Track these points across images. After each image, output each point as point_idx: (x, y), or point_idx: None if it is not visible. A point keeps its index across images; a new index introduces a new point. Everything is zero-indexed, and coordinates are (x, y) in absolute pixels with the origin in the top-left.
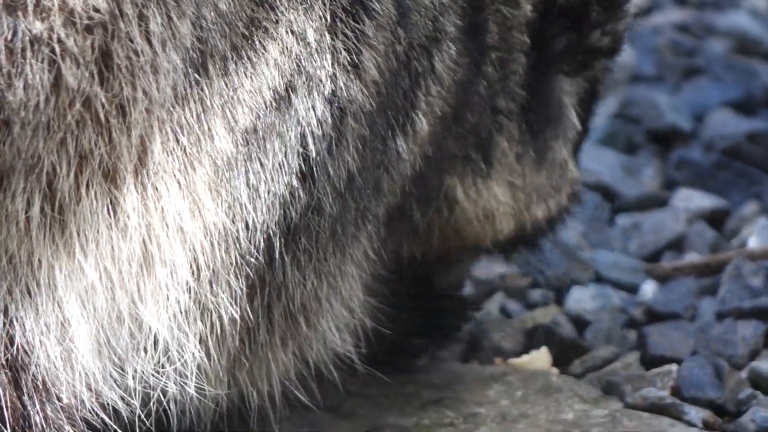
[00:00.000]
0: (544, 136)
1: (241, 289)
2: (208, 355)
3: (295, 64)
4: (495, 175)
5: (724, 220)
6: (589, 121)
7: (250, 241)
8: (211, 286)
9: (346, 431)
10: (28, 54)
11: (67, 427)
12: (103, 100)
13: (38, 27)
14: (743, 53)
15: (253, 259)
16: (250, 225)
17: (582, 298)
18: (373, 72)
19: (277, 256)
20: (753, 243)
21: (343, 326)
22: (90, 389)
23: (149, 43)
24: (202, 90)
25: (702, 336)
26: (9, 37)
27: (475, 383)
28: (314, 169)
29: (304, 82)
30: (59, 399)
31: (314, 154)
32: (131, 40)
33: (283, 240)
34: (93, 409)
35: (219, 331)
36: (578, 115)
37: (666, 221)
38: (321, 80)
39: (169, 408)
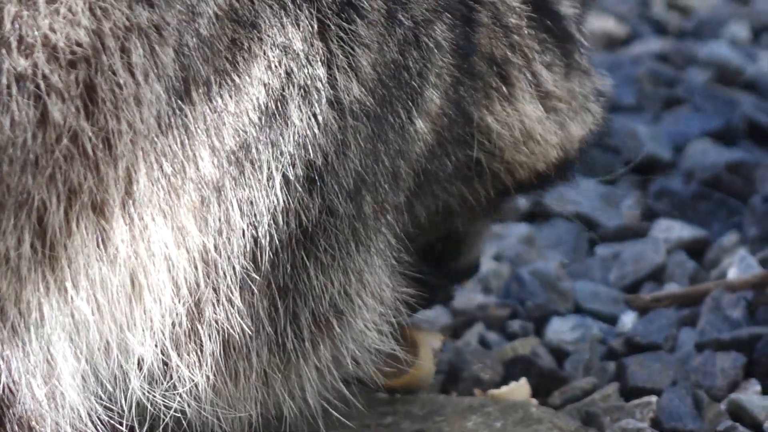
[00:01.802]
0: (566, 46)
1: (250, 303)
2: (222, 371)
3: (284, 78)
4: (521, 95)
5: (704, 250)
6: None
7: (253, 255)
8: (210, 307)
9: None
10: (14, 91)
11: None
12: (90, 134)
13: (22, 64)
14: (723, 83)
15: (258, 272)
16: (254, 240)
17: (561, 329)
18: (369, 70)
19: (298, 263)
20: (732, 274)
21: (379, 320)
22: (74, 427)
23: (132, 74)
24: (185, 116)
25: (681, 367)
26: None
27: (454, 414)
28: (321, 174)
29: (297, 93)
30: None
31: (320, 160)
32: (114, 73)
33: (299, 246)
34: None
35: (230, 347)
36: (582, 34)
37: (646, 252)
38: (317, 87)
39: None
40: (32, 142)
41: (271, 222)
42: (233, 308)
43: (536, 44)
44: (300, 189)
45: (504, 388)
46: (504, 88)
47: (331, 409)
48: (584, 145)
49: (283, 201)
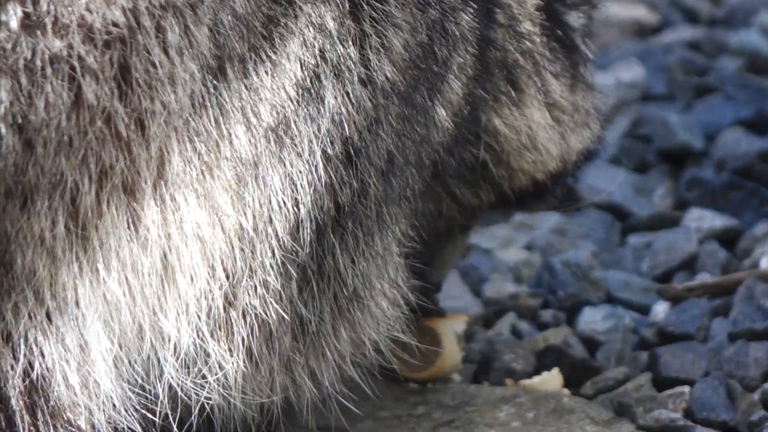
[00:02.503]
0: (573, 58)
1: (284, 285)
2: (250, 357)
3: (318, 56)
4: (529, 101)
5: (736, 240)
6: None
7: (293, 235)
8: (244, 290)
9: None
10: (48, 72)
11: None
12: (123, 115)
13: (57, 45)
14: (755, 71)
15: (297, 253)
16: (295, 218)
17: (593, 319)
18: (401, 50)
19: (327, 244)
20: (765, 263)
21: (393, 305)
22: (107, 414)
23: (167, 54)
24: (220, 95)
25: (714, 357)
26: (28, 57)
27: (485, 405)
28: (357, 152)
29: (331, 71)
30: (76, 426)
31: (356, 138)
32: (149, 53)
33: (331, 227)
34: None
35: (259, 333)
36: (586, 45)
37: (678, 241)
38: (350, 66)
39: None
40: (66, 124)
41: (314, 200)
42: (268, 292)
43: (547, 52)
44: (340, 166)
45: (536, 379)
46: (513, 93)
47: (361, 401)
48: (581, 159)
49: (324, 178)
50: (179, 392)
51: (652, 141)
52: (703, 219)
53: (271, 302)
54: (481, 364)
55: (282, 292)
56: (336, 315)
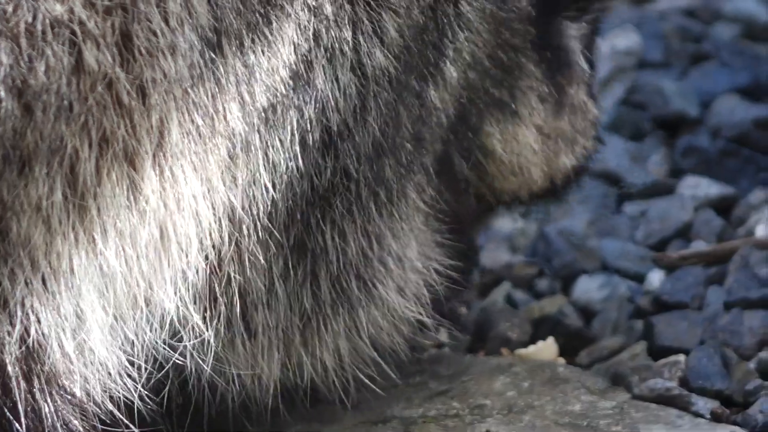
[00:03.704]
0: (559, 81)
1: (273, 263)
2: (248, 332)
3: (312, 40)
4: (524, 120)
5: (731, 207)
6: (595, 61)
7: (274, 216)
8: (231, 263)
9: (352, 423)
10: (49, 36)
11: (76, 422)
12: (125, 82)
13: (58, 9)
14: (751, 39)
15: (282, 233)
16: (272, 200)
17: (589, 288)
18: (394, 35)
19: (313, 224)
20: (761, 231)
21: (404, 287)
22: (102, 382)
23: (167, 23)
24: (217, 69)
25: (709, 326)
26: (29, 20)
27: (481, 374)
28: (338, 138)
29: (323, 56)
30: (71, 393)
31: (336, 125)
32: (150, 21)
33: (315, 209)
34: (104, 402)
35: (250, 306)
36: (586, 58)
37: (673, 209)
38: (342, 51)
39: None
40: (67, 89)
41: (291, 183)
42: (251, 264)
43: (539, 73)
44: (315, 153)
45: (531, 348)
46: (513, 107)
47: (357, 371)
48: (570, 177)
49: (300, 163)
50: (169, 360)
51: (648, 108)
52: (698, 187)
53: (255, 276)
54: (477, 333)
55: (267, 267)
56: (334, 295)
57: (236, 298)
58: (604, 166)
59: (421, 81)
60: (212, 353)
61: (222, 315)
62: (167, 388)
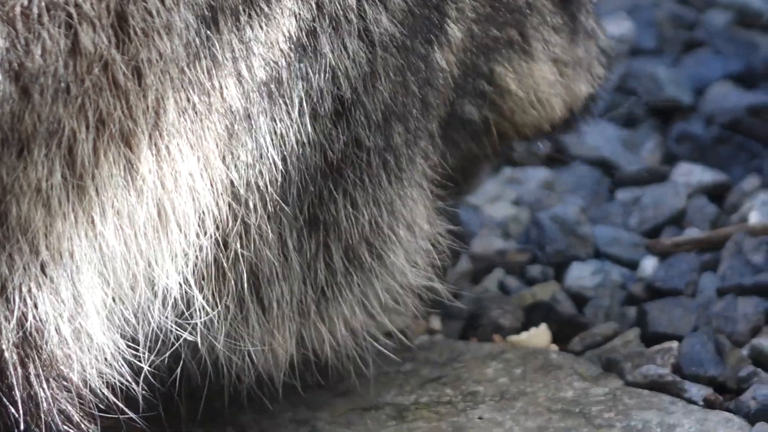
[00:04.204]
0: (571, 9)
1: (287, 236)
2: (261, 306)
3: (315, 9)
4: (537, 54)
5: (725, 194)
6: None
7: (287, 189)
8: (237, 238)
9: (344, 410)
10: (45, 19)
11: (72, 408)
12: (121, 63)
13: None
14: (744, 26)
15: (296, 205)
16: (283, 173)
17: (582, 274)
18: (398, 0)
19: (326, 195)
20: (754, 218)
21: (414, 253)
22: (99, 367)
23: (163, 2)
24: (213, 45)
25: (703, 312)
26: (25, 3)
27: (473, 361)
28: (350, 107)
29: (328, 24)
30: (68, 378)
31: (349, 93)
32: (146, 1)
33: (326, 178)
34: (101, 388)
35: (262, 280)
36: None
37: (666, 196)
38: (348, 19)
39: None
40: (63, 71)
41: (303, 154)
42: (261, 239)
43: (550, 4)
44: (328, 123)
45: (524, 335)
46: (523, 45)
47: (348, 357)
48: (588, 104)
49: (312, 135)
50: (172, 340)
51: (641, 96)
52: (691, 174)
53: (266, 249)
54: (469, 320)
55: (278, 240)
56: (347, 265)
57: (246, 274)
58: (597, 152)
59: (426, 44)
60: (223, 330)
61: (232, 291)
62: (167, 372)
